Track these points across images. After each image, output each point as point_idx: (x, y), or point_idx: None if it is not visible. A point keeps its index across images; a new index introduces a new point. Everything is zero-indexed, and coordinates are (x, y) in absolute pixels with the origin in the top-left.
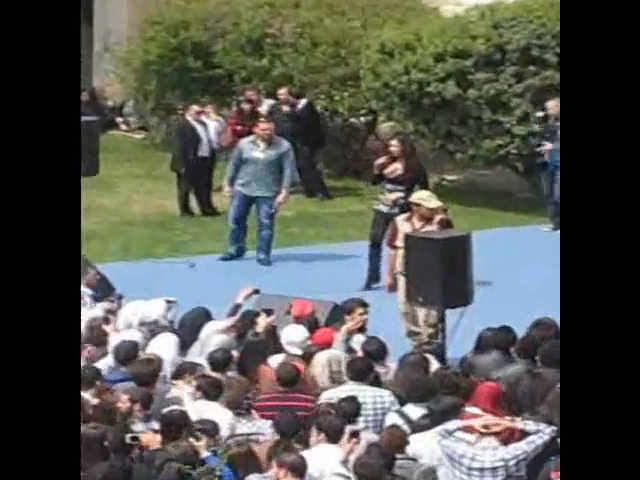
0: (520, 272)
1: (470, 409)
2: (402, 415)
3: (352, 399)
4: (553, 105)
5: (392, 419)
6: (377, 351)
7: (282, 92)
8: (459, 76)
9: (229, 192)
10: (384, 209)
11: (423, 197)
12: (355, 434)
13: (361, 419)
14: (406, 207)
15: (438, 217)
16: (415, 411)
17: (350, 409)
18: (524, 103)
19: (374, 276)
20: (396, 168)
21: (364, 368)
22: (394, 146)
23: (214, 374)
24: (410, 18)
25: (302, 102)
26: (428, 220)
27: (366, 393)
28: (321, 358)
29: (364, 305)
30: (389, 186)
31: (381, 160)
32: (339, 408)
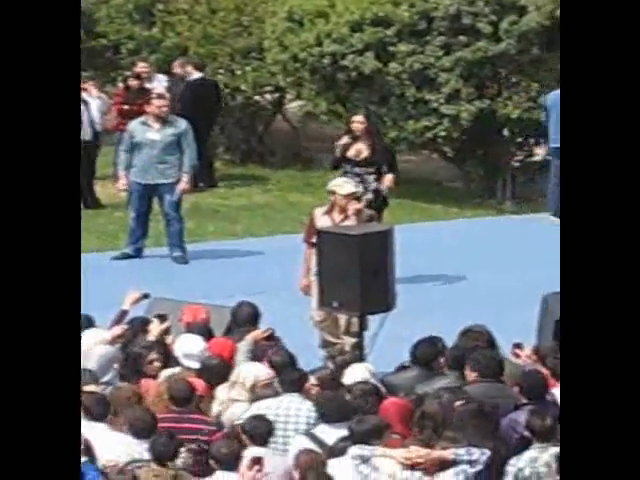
0: (452, 273)
1: (396, 435)
2: (313, 438)
3: (259, 418)
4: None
5: (302, 443)
6: (283, 363)
7: (176, 65)
8: (379, 48)
9: (125, 185)
10: None
11: (338, 183)
12: (257, 461)
13: (280, 434)
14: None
15: (352, 207)
16: (330, 433)
17: (256, 430)
18: (454, 79)
19: None
20: (360, 149)
21: (295, 379)
22: (358, 123)
23: (94, 388)
24: None
25: (194, 76)
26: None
27: (281, 404)
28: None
29: (256, 311)
30: (357, 170)
31: (344, 140)
32: (245, 429)
